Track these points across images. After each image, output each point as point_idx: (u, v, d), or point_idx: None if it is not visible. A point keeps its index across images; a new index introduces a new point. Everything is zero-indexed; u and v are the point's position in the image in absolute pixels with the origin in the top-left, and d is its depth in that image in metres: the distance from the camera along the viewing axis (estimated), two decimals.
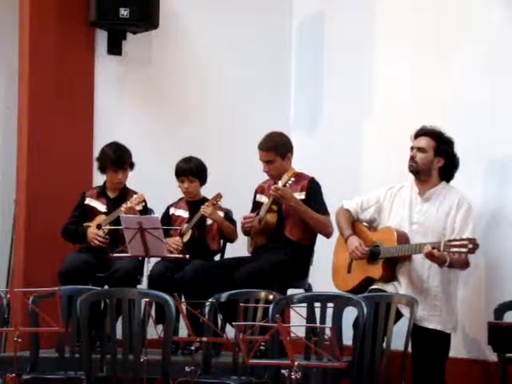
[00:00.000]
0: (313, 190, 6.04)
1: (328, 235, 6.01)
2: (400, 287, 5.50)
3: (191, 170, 6.23)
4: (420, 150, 5.55)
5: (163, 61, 7.00)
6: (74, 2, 6.71)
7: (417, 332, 5.37)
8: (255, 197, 6.26)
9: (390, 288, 5.49)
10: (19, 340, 5.04)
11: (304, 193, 6.03)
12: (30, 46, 6.63)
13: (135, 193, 6.26)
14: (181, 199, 6.39)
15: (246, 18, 7.12)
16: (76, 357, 5.47)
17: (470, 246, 5.16)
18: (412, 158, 5.56)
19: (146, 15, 6.69)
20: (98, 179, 6.52)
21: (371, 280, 5.54)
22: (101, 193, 6.36)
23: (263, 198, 6.17)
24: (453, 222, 5.46)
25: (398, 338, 5.20)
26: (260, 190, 6.25)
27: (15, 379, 5.37)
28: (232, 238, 6.29)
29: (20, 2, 6.73)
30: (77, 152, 6.72)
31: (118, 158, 6.21)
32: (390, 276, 5.52)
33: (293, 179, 5.95)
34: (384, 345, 5.14)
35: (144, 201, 6.23)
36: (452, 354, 5.58)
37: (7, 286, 6.83)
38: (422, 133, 5.59)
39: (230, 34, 7.08)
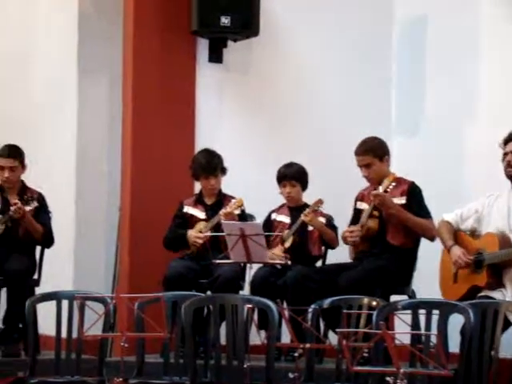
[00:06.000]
0: (413, 194, 5.96)
1: (432, 238, 5.92)
2: (507, 293, 5.38)
3: (293, 175, 6.26)
4: None
5: (263, 68, 7.02)
6: (176, 12, 6.79)
7: None
8: (356, 204, 6.21)
9: (497, 295, 5.38)
10: (126, 345, 5.10)
11: (404, 197, 5.96)
12: (133, 55, 6.74)
13: (232, 198, 6.29)
14: (283, 205, 6.40)
15: (346, 23, 7.08)
16: (181, 362, 5.52)
17: None
18: (510, 164, 5.39)
19: (247, 23, 6.72)
20: (199, 186, 6.57)
21: (478, 289, 5.44)
22: (198, 200, 6.41)
23: (363, 205, 6.11)
24: None
25: (507, 346, 5.08)
26: (360, 197, 6.20)
27: (122, 383, 5.46)
28: (333, 245, 6.27)
29: (124, 13, 6.85)
30: (179, 158, 6.77)
31: (207, 164, 6.26)
32: (496, 282, 5.40)
33: (394, 184, 5.89)
34: (492, 353, 5.04)
35: (242, 205, 6.26)
36: None
37: (113, 292, 6.94)
38: None
39: (330, 41, 7.04)
